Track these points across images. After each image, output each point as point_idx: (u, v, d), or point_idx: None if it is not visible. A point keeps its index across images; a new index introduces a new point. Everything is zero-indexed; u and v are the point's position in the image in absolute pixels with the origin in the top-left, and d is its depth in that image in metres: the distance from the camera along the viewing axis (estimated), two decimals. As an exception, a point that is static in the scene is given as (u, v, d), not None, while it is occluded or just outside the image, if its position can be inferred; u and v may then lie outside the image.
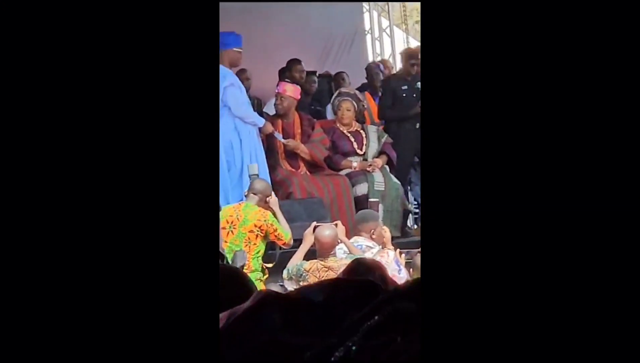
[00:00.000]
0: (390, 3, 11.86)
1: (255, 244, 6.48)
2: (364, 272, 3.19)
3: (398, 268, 6.06)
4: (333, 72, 9.97)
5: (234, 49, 7.66)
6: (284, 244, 6.62)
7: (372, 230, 6.45)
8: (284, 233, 6.56)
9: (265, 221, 6.51)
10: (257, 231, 6.48)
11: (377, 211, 7.48)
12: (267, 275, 6.48)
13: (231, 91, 7.52)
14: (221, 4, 7.70)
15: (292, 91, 8.10)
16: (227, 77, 7.53)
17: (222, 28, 8.73)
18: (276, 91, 8.14)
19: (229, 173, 7.48)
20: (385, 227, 6.72)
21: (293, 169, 8.02)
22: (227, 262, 5.30)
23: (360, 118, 8.45)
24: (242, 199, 6.93)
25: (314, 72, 9.72)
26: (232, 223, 6.49)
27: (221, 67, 7.50)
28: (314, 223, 6.30)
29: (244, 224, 6.48)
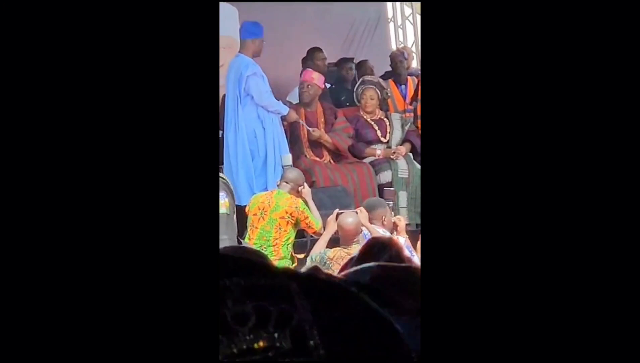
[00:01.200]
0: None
1: (285, 231, 6.51)
2: (379, 250, 3.19)
3: (410, 254, 6.06)
4: (356, 60, 9.96)
5: (257, 38, 7.67)
6: (314, 232, 6.64)
7: (383, 217, 6.44)
8: (315, 221, 6.58)
9: (296, 207, 6.54)
10: (288, 217, 6.51)
11: (393, 199, 7.47)
12: (296, 264, 6.49)
13: (254, 80, 7.55)
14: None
15: (318, 79, 8.10)
16: (250, 66, 7.55)
17: (243, 17, 8.78)
18: (301, 79, 8.14)
19: (253, 161, 7.50)
20: (400, 216, 6.72)
21: (317, 158, 8.03)
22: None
23: (384, 106, 8.44)
24: (265, 188, 6.96)
25: (351, 59, 9.73)
26: (263, 209, 6.52)
27: (243, 56, 7.53)
28: (337, 210, 6.30)
29: (275, 211, 6.52)
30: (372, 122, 8.27)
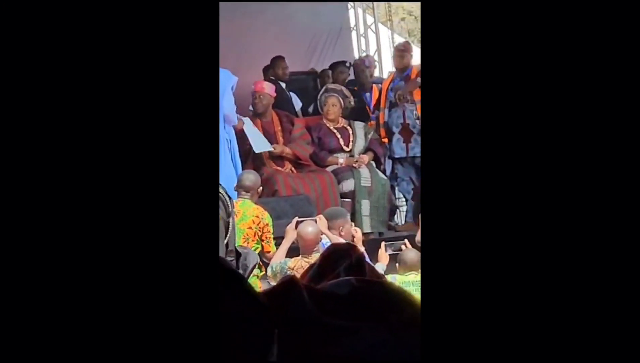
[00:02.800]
0: (374, 2, 11.87)
1: (253, 240, 6.47)
2: (339, 257, 3.17)
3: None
4: (319, 69, 9.97)
5: None
6: (267, 252, 6.57)
7: (341, 227, 6.43)
8: (272, 246, 6.53)
9: (262, 219, 6.50)
10: (255, 227, 6.47)
11: (349, 210, 7.48)
12: (263, 271, 6.46)
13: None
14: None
15: (268, 88, 8.12)
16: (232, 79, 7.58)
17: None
18: (253, 90, 8.14)
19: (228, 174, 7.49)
20: (356, 228, 6.71)
21: (278, 168, 8.02)
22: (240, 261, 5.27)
23: (346, 114, 8.45)
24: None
25: (343, 62, 9.73)
26: None
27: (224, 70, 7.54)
28: (296, 219, 6.27)
29: (243, 221, 6.47)
30: (335, 131, 8.27)
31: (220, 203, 6.09)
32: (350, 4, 11.70)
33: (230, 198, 6.23)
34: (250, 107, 8.38)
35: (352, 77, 9.78)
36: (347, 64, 9.79)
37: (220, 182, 7.20)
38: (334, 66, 9.70)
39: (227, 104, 7.44)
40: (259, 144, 7.88)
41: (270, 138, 8.05)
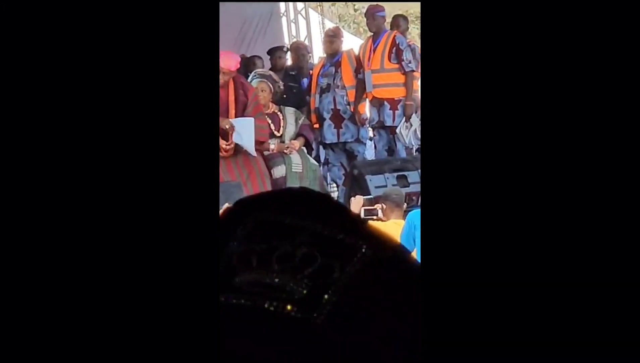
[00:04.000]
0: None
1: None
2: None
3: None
4: (249, 55, 9.92)
5: None
6: None
7: None
8: None
9: None
10: None
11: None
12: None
13: None
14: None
15: (232, 63, 7.92)
16: None
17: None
18: None
19: None
20: None
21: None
22: None
23: (277, 99, 8.42)
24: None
25: (281, 47, 9.68)
26: None
27: None
28: (226, 205, 6.24)
29: None
30: (266, 116, 8.24)
31: None
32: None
33: None
34: None
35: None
36: (285, 49, 9.76)
37: None
38: (272, 51, 9.65)
39: None
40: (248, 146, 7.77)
41: (223, 108, 7.88)
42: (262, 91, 8.19)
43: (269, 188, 7.73)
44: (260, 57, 9.55)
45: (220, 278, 0.81)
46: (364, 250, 0.82)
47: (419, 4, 8.47)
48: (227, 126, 7.70)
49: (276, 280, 0.80)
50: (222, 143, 7.75)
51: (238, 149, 7.96)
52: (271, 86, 8.26)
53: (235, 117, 7.83)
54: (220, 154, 7.80)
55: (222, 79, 7.77)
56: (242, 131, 7.73)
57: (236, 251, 0.82)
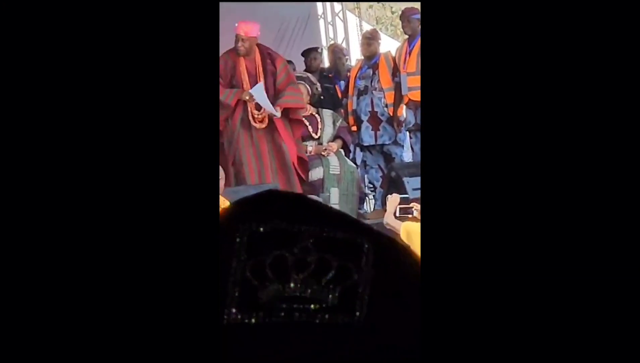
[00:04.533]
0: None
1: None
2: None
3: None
4: (287, 57, 9.92)
5: None
6: None
7: None
8: None
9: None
10: None
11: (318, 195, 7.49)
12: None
13: None
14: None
15: (251, 29, 7.94)
16: None
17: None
18: (235, 33, 7.90)
19: None
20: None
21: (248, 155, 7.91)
22: None
23: (314, 101, 8.42)
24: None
25: (315, 48, 9.67)
26: None
27: None
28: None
29: None
30: (304, 118, 8.24)
31: None
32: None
33: None
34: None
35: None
36: (320, 50, 9.75)
37: None
38: (306, 53, 9.65)
39: None
40: (268, 108, 7.75)
41: (252, 79, 7.84)
42: (301, 93, 8.19)
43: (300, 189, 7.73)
44: (291, 61, 9.53)
45: (230, 295, 0.81)
46: (366, 245, 0.83)
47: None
48: (247, 98, 7.72)
49: (306, 291, 0.81)
50: (255, 113, 7.77)
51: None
52: (309, 88, 8.26)
53: (266, 87, 7.81)
54: (256, 124, 7.78)
55: (242, 46, 7.78)
56: (259, 97, 7.75)
57: (243, 265, 0.81)
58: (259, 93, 7.66)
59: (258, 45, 7.96)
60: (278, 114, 7.72)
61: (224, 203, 6.52)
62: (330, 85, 8.93)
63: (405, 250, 0.87)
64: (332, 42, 11.18)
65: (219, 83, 7.66)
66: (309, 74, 8.55)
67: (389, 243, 0.86)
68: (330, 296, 0.81)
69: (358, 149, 8.73)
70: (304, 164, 7.97)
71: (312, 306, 0.80)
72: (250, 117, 7.76)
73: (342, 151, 8.29)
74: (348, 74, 9.13)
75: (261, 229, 0.83)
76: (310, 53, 9.51)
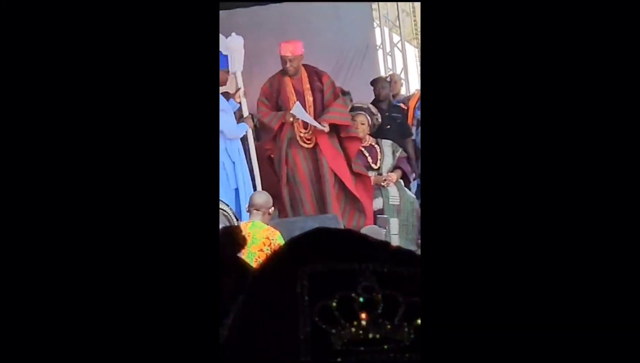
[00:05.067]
0: (401, 18, 11.85)
1: (265, 263, 6.44)
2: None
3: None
4: (346, 88, 9.93)
5: (221, 70, 7.62)
6: None
7: None
8: None
9: (273, 239, 6.44)
10: (267, 249, 6.42)
11: (385, 227, 7.43)
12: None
13: (220, 117, 7.51)
14: (233, 22, 7.62)
15: (295, 48, 7.97)
16: None
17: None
18: (281, 53, 7.92)
19: (223, 194, 7.44)
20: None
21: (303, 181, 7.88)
22: None
23: (374, 131, 8.39)
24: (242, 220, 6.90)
25: (384, 78, 9.69)
26: None
27: None
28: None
29: (253, 244, 6.41)
30: (363, 149, 8.22)
31: (227, 221, 6.05)
32: (376, 22, 11.68)
33: (236, 217, 6.19)
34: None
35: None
36: (388, 79, 9.73)
37: (226, 201, 7.17)
38: (375, 82, 9.62)
39: (223, 126, 7.35)
40: (313, 123, 7.74)
41: (299, 97, 7.88)
42: (361, 124, 8.16)
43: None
44: (349, 92, 9.50)
45: (303, 342, 0.79)
46: (413, 277, 0.83)
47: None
48: (290, 119, 7.75)
49: (380, 331, 0.80)
50: (302, 131, 7.81)
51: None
52: (369, 118, 8.24)
53: (314, 104, 7.85)
54: (304, 144, 7.78)
55: (291, 66, 7.82)
56: (301, 115, 7.76)
57: (309, 310, 0.80)
58: (299, 112, 7.68)
59: (303, 64, 7.99)
60: (326, 128, 7.72)
61: (273, 233, 6.49)
62: (399, 114, 8.88)
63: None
64: (391, 72, 11.16)
65: (263, 104, 7.72)
66: (369, 105, 8.54)
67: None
68: (406, 334, 0.79)
69: (418, 179, 8.68)
70: (365, 182, 7.92)
71: (385, 346, 0.79)
72: (298, 138, 7.78)
73: (401, 181, 8.26)
74: (403, 105, 9.12)
75: (319, 270, 0.82)
76: (378, 82, 9.48)
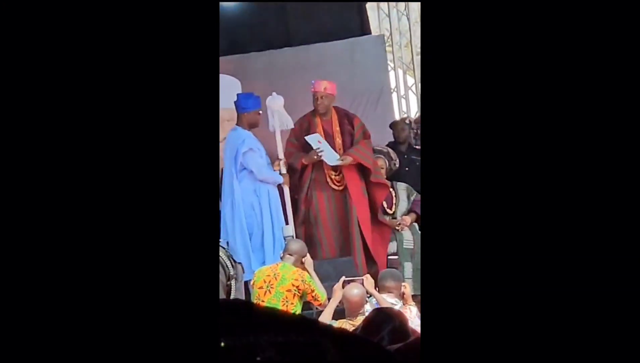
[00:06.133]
0: (415, 62, 11.86)
1: (292, 303, 6.46)
2: (382, 321, 3.11)
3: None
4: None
5: (253, 111, 7.64)
6: (319, 305, 6.59)
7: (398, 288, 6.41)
8: (320, 293, 6.55)
9: (302, 280, 6.49)
10: (295, 290, 6.46)
11: (398, 268, 7.43)
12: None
13: (251, 156, 7.51)
14: (247, 66, 7.61)
15: (330, 87, 7.99)
16: (246, 142, 7.54)
17: (247, 88, 8.76)
18: (313, 90, 7.96)
19: (252, 237, 7.43)
20: (405, 283, 6.65)
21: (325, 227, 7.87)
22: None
23: (390, 176, 8.38)
24: (263, 263, 6.92)
25: (404, 120, 9.68)
26: (269, 282, 6.48)
27: (240, 129, 7.52)
28: (343, 278, 6.23)
29: (282, 284, 6.47)
30: (386, 181, 8.19)
31: (220, 268, 6.00)
32: (390, 65, 11.69)
33: (234, 261, 6.17)
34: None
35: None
36: (408, 121, 9.73)
37: (241, 249, 7.17)
38: (393, 125, 9.63)
39: (253, 165, 7.35)
40: (330, 157, 7.76)
41: (329, 139, 7.90)
42: (380, 168, 8.17)
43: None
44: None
45: None
46: None
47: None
48: (314, 157, 7.74)
49: None
50: (332, 173, 7.81)
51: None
52: (387, 162, 8.24)
53: (343, 146, 7.87)
54: (334, 186, 7.77)
55: (322, 103, 7.86)
56: (316, 145, 7.75)
57: None
58: (314, 141, 7.66)
59: (334, 106, 7.98)
60: (344, 161, 7.71)
61: (302, 274, 6.52)
62: (418, 157, 8.86)
63: None
64: (405, 115, 11.16)
65: (291, 144, 7.71)
66: (389, 149, 8.53)
67: None
68: None
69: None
70: (383, 232, 7.91)
71: None
72: (328, 179, 7.78)
73: (416, 225, 8.22)
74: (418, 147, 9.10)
75: None
76: (398, 125, 9.48)
